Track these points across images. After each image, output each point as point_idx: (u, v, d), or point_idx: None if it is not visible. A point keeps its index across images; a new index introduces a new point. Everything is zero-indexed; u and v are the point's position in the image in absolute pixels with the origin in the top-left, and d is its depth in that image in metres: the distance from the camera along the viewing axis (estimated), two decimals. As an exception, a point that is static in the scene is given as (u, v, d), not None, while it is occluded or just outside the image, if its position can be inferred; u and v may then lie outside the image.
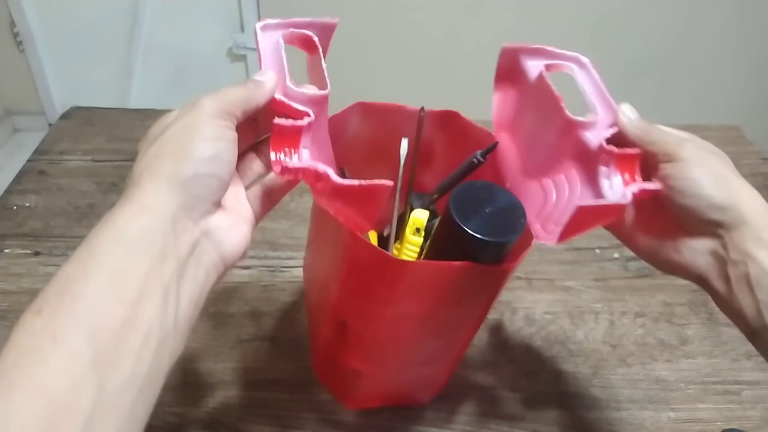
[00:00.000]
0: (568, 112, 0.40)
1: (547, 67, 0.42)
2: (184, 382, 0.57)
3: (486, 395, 0.57)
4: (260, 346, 0.61)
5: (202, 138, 0.31)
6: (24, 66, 2.05)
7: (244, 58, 2.00)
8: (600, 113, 0.41)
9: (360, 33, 1.89)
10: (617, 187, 0.38)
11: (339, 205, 0.37)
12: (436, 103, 0.49)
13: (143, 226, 0.29)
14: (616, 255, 0.72)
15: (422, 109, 0.49)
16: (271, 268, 0.69)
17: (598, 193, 0.38)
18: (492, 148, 0.45)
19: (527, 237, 0.40)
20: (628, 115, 0.40)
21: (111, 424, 0.25)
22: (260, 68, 0.37)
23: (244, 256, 0.35)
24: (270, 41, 0.38)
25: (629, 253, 0.70)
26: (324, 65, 0.39)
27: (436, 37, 1.88)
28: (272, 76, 0.36)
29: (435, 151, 0.51)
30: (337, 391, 0.55)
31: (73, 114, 0.93)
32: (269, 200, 0.38)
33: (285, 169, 0.34)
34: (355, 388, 0.52)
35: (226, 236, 0.33)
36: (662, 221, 0.40)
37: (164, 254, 0.29)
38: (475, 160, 0.45)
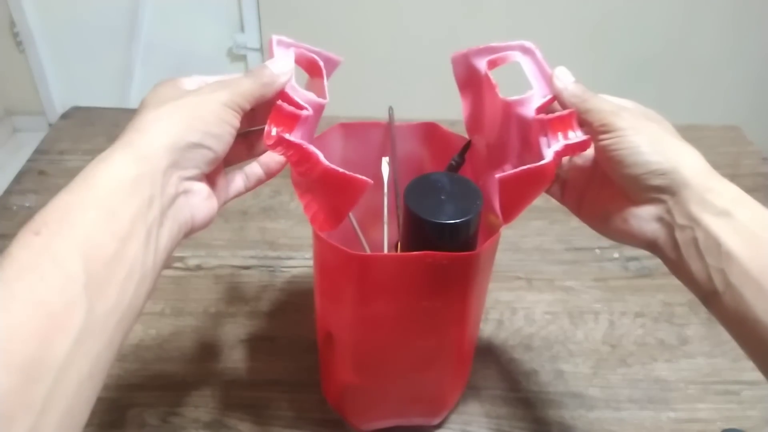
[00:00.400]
0: (500, 95, 0.40)
1: (494, 61, 0.42)
2: (184, 382, 0.57)
3: (486, 395, 0.57)
4: (260, 346, 0.61)
5: (215, 116, 0.35)
6: (24, 66, 2.05)
7: (244, 58, 2.00)
8: (535, 87, 0.40)
9: (359, 34, 1.89)
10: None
11: (314, 195, 0.38)
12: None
13: (140, 172, 0.31)
14: (616, 255, 0.72)
15: (390, 108, 0.49)
16: (271, 268, 0.69)
17: None
18: (466, 148, 0.46)
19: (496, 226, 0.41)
20: (563, 80, 0.39)
21: (95, 345, 0.28)
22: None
23: (207, 226, 0.38)
24: (281, 53, 0.40)
25: (629, 253, 0.71)
26: (326, 89, 0.40)
27: (436, 39, 1.88)
28: (288, 71, 0.38)
29: (424, 166, 0.51)
30: (346, 412, 0.53)
31: (73, 114, 0.93)
32: (243, 187, 0.42)
33: (279, 140, 0.36)
34: (358, 406, 0.51)
35: (201, 203, 0.36)
36: (609, 191, 0.40)
37: (151, 200, 0.32)
38: (453, 162, 0.46)
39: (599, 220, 0.41)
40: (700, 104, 1.97)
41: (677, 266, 0.37)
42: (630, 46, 1.87)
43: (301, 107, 0.37)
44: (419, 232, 0.40)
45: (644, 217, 0.38)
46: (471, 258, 0.39)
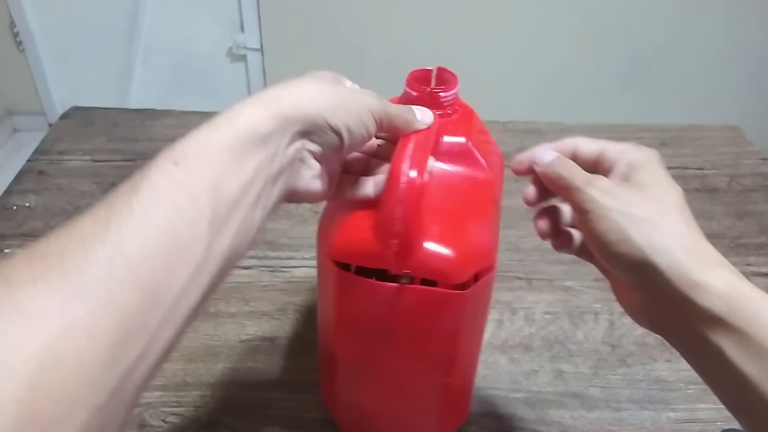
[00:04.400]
0: None
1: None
2: (184, 382, 0.57)
3: (486, 395, 0.57)
4: (260, 346, 0.61)
5: (358, 115, 0.36)
6: (24, 66, 2.06)
7: (244, 58, 2.00)
8: None
9: (359, 34, 1.89)
10: None
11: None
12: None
13: (274, 129, 0.32)
14: (616, 255, 0.71)
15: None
16: (271, 268, 0.69)
17: None
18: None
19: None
20: (539, 163, 0.39)
21: (205, 281, 0.28)
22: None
23: (304, 201, 0.38)
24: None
25: (629, 253, 0.71)
26: None
27: (436, 39, 1.88)
28: (429, 122, 0.40)
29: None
30: (339, 419, 0.52)
31: (73, 114, 0.93)
32: (373, 193, 0.41)
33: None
34: (351, 415, 0.51)
35: (309, 178, 0.36)
36: None
37: (274, 157, 0.33)
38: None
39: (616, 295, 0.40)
40: (700, 104, 1.97)
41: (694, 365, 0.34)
42: (629, 46, 1.87)
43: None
44: None
45: (639, 309, 0.36)
46: (460, 297, 0.39)
